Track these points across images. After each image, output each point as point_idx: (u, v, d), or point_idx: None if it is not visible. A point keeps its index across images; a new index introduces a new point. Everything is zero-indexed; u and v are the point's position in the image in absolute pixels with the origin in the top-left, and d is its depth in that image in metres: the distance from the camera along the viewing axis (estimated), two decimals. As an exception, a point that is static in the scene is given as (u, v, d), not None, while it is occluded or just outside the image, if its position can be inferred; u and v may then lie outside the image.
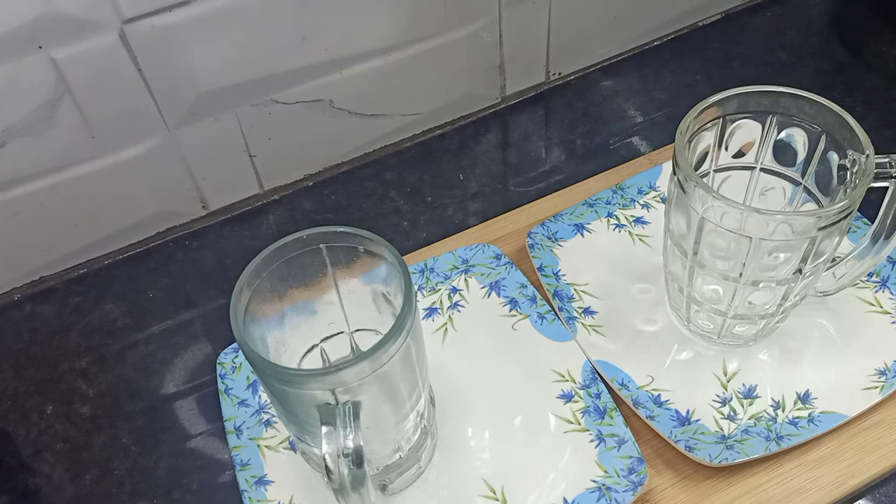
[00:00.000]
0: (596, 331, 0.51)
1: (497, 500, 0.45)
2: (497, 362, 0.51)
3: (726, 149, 0.46)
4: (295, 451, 0.47)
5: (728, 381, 0.49)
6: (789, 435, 0.46)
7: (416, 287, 0.54)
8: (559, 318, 0.52)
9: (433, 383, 0.47)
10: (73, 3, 0.48)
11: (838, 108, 0.43)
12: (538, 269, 0.54)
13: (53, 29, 0.48)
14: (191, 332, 0.57)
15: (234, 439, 0.48)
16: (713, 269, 0.45)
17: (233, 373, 0.51)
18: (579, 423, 0.47)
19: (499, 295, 0.54)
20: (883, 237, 0.45)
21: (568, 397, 0.49)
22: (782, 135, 0.45)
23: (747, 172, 0.47)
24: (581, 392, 0.49)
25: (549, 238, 0.56)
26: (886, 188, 0.42)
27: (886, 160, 0.41)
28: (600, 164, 0.63)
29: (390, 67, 0.61)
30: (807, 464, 0.46)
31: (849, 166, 0.42)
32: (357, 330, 0.45)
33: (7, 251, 0.58)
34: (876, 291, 0.52)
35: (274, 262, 0.39)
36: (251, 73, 0.56)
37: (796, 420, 0.47)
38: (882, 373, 0.48)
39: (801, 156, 0.45)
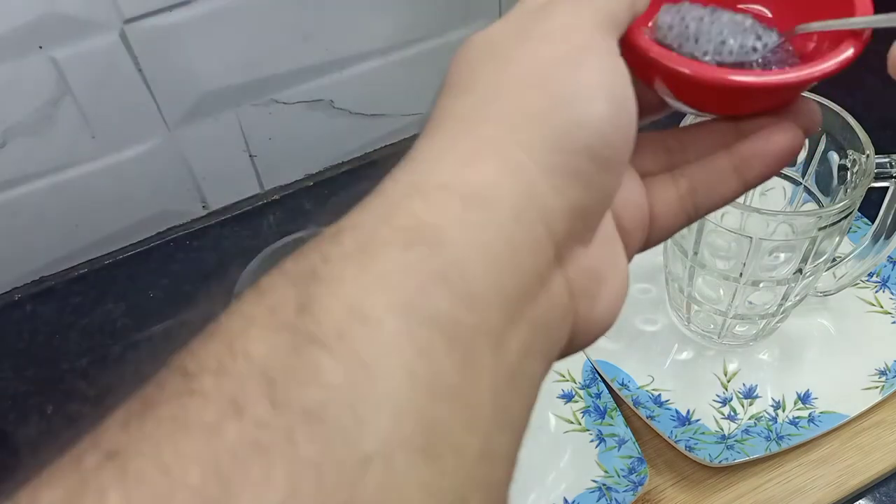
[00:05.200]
0: (596, 331, 0.51)
1: (497, 500, 0.45)
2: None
3: (726, 149, 0.46)
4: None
5: (728, 381, 0.49)
6: (789, 435, 0.46)
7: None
8: (559, 318, 0.52)
9: (433, 383, 0.47)
10: (74, 3, 0.48)
11: (838, 108, 0.43)
12: (538, 269, 0.54)
13: (54, 29, 0.48)
14: (191, 332, 0.56)
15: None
16: (713, 269, 0.45)
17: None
18: (579, 423, 0.47)
19: (499, 295, 0.54)
20: (883, 237, 0.45)
21: (568, 397, 0.49)
22: (782, 135, 0.45)
23: (747, 172, 0.47)
24: (581, 392, 0.48)
25: (550, 238, 0.56)
26: (886, 188, 0.42)
27: (886, 160, 0.41)
28: (600, 164, 0.63)
29: (390, 67, 0.61)
30: (807, 464, 0.46)
31: (849, 166, 0.42)
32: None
33: (7, 251, 0.57)
34: (876, 291, 0.52)
35: (274, 263, 0.39)
36: (252, 73, 0.56)
37: (796, 420, 0.47)
38: (882, 373, 0.48)
39: (802, 156, 0.45)
